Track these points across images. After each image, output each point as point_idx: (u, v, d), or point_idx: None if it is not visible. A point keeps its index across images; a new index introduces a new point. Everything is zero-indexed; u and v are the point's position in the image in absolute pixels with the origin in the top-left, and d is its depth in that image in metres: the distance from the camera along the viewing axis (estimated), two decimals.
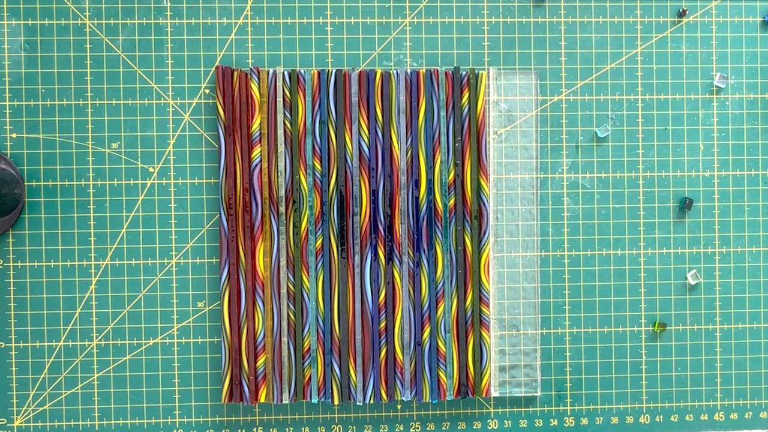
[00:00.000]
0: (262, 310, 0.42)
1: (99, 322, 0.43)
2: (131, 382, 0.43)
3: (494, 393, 0.43)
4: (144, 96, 0.43)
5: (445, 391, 0.43)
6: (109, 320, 0.43)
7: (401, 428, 0.44)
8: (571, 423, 0.45)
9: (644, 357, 0.45)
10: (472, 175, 0.43)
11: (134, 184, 0.43)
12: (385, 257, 0.43)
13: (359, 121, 0.43)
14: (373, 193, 0.43)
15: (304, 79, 0.43)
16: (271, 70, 0.42)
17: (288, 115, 0.43)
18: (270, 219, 0.42)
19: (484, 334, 0.43)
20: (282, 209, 0.42)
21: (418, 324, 0.43)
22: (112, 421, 0.43)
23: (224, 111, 0.42)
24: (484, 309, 0.43)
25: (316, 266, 0.43)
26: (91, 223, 0.43)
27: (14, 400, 0.43)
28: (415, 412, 0.44)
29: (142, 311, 0.43)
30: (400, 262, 0.43)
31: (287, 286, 0.43)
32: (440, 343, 0.43)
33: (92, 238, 0.43)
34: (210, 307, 0.44)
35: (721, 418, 0.45)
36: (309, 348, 0.43)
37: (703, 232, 0.45)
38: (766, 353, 0.46)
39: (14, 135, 0.43)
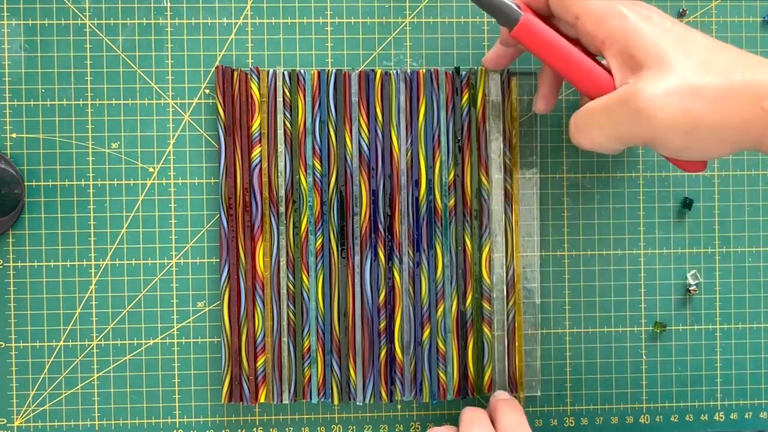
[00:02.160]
0: (262, 310, 0.42)
1: (99, 322, 0.43)
2: (131, 382, 0.43)
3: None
4: (144, 96, 0.43)
5: (445, 391, 0.43)
6: (109, 320, 0.43)
7: (401, 428, 0.44)
8: (572, 423, 0.45)
9: (644, 357, 0.45)
10: (472, 175, 0.43)
11: (134, 184, 0.43)
12: (385, 257, 0.43)
13: (359, 121, 0.43)
14: (373, 193, 0.43)
15: (304, 79, 0.43)
16: (271, 70, 0.43)
17: (288, 115, 0.43)
18: (270, 219, 0.42)
19: (485, 330, 0.43)
20: (282, 209, 0.42)
21: (418, 324, 0.43)
22: (112, 421, 0.43)
23: (224, 111, 0.42)
24: (485, 305, 0.43)
25: (316, 266, 0.43)
26: (91, 223, 0.43)
27: (14, 400, 0.43)
28: (415, 412, 0.44)
29: (142, 311, 0.43)
30: (400, 262, 0.43)
31: (287, 286, 0.43)
32: (440, 343, 0.43)
33: (92, 238, 0.43)
34: (210, 307, 0.44)
35: (721, 418, 0.45)
36: (309, 348, 0.43)
37: (703, 232, 0.45)
38: (766, 353, 0.46)
39: (14, 135, 0.43)
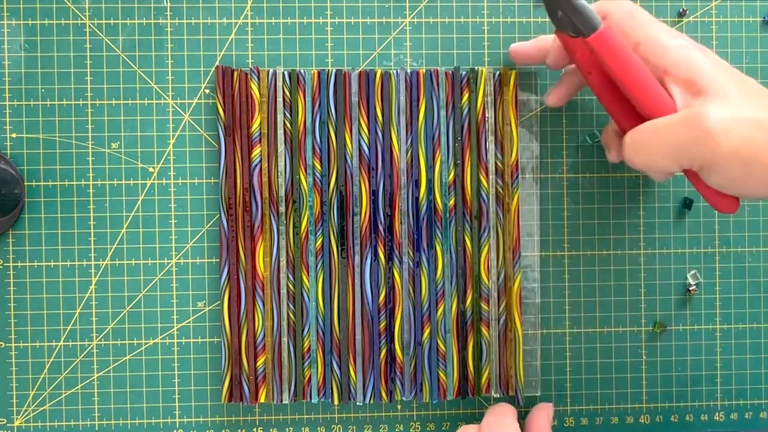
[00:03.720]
0: (262, 310, 0.42)
1: (99, 322, 0.43)
2: (131, 382, 0.43)
3: (495, 394, 0.43)
4: (144, 96, 0.43)
5: (445, 391, 0.43)
6: (109, 320, 0.43)
7: (401, 428, 0.44)
8: (572, 423, 0.45)
9: (644, 357, 0.45)
10: (472, 175, 0.43)
11: (134, 184, 0.43)
12: (385, 257, 0.43)
13: (359, 121, 0.43)
14: (373, 193, 0.43)
15: (304, 79, 0.43)
16: (271, 70, 0.43)
17: (288, 115, 0.43)
18: (270, 219, 0.42)
19: (483, 331, 0.43)
20: (282, 209, 0.42)
21: (418, 324, 0.43)
22: (112, 421, 0.43)
23: (224, 111, 0.42)
24: (483, 305, 0.43)
25: (316, 266, 0.43)
26: (91, 223, 0.43)
27: (14, 400, 0.43)
28: (415, 412, 0.44)
29: (142, 311, 0.43)
30: (400, 262, 0.43)
31: (287, 286, 0.43)
32: (440, 343, 0.43)
33: (92, 238, 0.43)
34: (210, 307, 0.44)
35: (721, 418, 0.45)
36: (309, 348, 0.43)
37: (703, 232, 0.45)
38: (766, 353, 0.46)
39: (14, 135, 0.43)
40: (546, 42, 0.41)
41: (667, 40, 0.35)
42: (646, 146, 0.34)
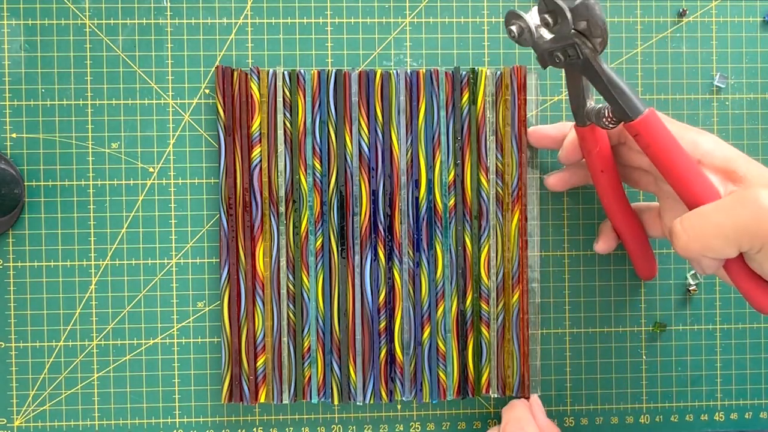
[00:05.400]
0: (262, 310, 0.42)
1: (99, 322, 0.43)
2: (131, 382, 0.43)
3: (493, 394, 0.43)
4: (144, 96, 0.43)
5: (445, 391, 0.43)
6: (109, 320, 0.43)
7: (401, 428, 0.44)
8: (571, 423, 0.45)
9: (644, 357, 0.45)
10: (472, 175, 0.43)
11: (134, 184, 0.43)
12: (385, 257, 0.43)
13: (359, 121, 0.43)
14: (373, 193, 0.43)
15: (304, 79, 0.43)
16: (271, 70, 0.43)
17: (288, 115, 0.43)
18: (270, 219, 0.42)
19: (483, 330, 0.43)
20: (282, 209, 0.42)
21: (418, 324, 0.43)
22: (112, 421, 0.43)
23: (224, 111, 0.42)
24: (483, 305, 0.43)
25: (316, 266, 0.43)
26: (91, 223, 0.43)
27: (14, 400, 0.43)
28: (415, 412, 0.44)
29: (142, 311, 0.43)
30: (400, 262, 0.43)
31: (287, 286, 0.43)
32: (440, 343, 0.43)
33: (92, 238, 0.43)
34: (210, 307, 0.44)
35: (721, 418, 0.45)
36: (309, 348, 0.43)
37: None
38: (766, 353, 0.46)
39: (14, 135, 0.43)
40: (566, 130, 0.41)
41: (695, 134, 0.37)
42: (701, 230, 0.34)
